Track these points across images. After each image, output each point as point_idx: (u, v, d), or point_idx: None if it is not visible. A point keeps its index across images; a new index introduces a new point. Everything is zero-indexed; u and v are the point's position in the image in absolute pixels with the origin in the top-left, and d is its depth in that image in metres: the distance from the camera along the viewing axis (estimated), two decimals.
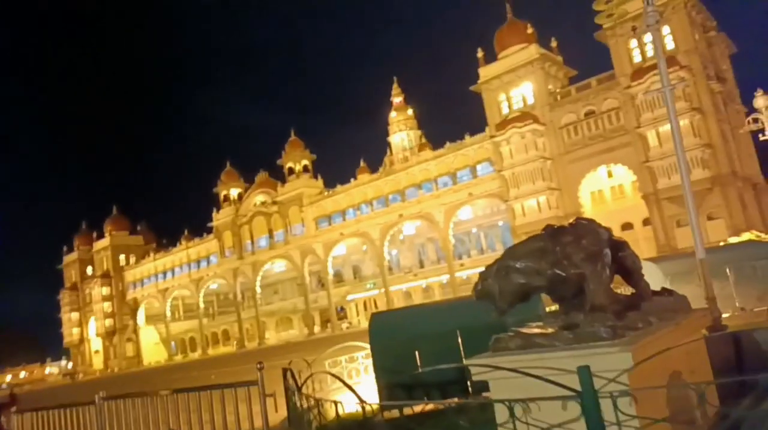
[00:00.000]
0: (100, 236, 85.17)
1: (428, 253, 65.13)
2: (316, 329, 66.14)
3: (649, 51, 40.20)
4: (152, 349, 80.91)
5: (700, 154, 37.55)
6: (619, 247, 4.37)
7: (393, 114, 76.89)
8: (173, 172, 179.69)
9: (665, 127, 38.53)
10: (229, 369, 32.66)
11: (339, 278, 67.71)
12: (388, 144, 76.75)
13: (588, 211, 44.35)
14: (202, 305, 75.48)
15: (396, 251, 63.56)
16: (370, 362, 9.45)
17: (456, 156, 51.59)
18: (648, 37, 40.24)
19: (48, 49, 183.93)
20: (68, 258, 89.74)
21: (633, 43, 40.73)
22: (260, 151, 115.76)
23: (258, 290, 68.89)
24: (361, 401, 5.70)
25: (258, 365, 5.05)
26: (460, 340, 7.17)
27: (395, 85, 77.39)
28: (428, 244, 64.83)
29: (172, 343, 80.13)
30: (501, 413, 3.67)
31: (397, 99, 77.33)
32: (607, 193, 45.29)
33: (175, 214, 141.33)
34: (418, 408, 6.71)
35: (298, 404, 5.46)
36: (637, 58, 40.67)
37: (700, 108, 37.86)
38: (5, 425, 7.77)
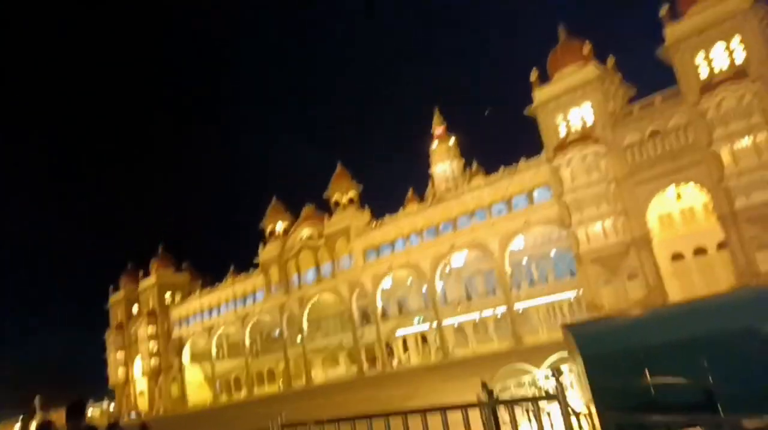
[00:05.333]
0: (147, 274, 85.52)
1: (476, 286, 63.02)
2: (364, 366, 63.99)
3: (717, 65, 38.52)
4: (196, 389, 79.74)
5: None
6: None
7: (434, 144, 76.37)
8: (218, 210, 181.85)
9: (741, 143, 36.55)
10: (293, 406, 31.13)
11: (383, 313, 65.86)
12: (430, 175, 76.03)
13: (657, 235, 42.10)
14: (248, 343, 74.30)
15: (442, 283, 61.55)
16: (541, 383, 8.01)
17: (511, 182, 49.94)
18: (716, 51, 38.68)
19: (91, 92, 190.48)
20: (114, 297, 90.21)
21: (699, 57, 39.02)
22: (305, 186, 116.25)
23: (305, 326, 67.47)
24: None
25: (552, 373, 3.69)
26: (706, 351, 5.59)
27: (436, 115, 77.15)
28: (477, 276, 62.75)
29: (217, 382, 78.87)
30: None
31: (438, 129, 76.84)
32: (677, 216, 42.91)
33: (221, 251, 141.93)
34: None
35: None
36: (704, 72, 38.87)
37: None
38: None
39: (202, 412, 62.13)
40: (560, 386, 3.58)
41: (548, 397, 3.89)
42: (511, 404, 4.18)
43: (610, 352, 6.00)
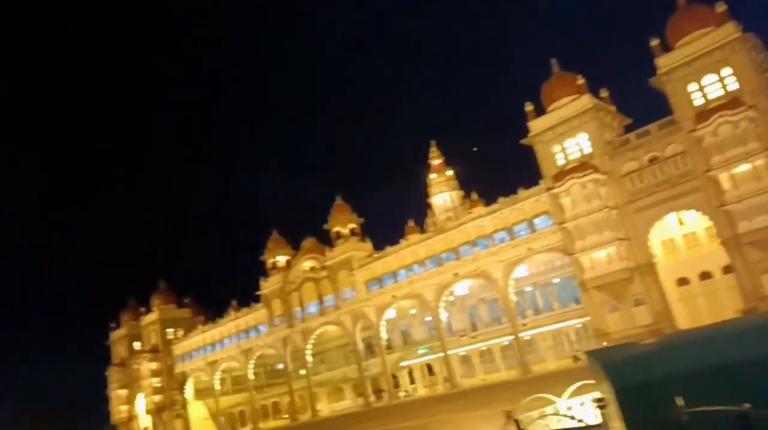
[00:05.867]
0: (148, 310, 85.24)
1: (481, 315, 62.90)
2: (370, 398, 63.34)
3: (711, 93, 39.32)
4: (201, 425, 78.74)
5: None
6: None
7: (433, 176, 77.11)
8: (219, 244, 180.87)
9: (739, 169, 37.09)
10: None
11: (388, 344, 65.54)
12: (429, 206, 76.56)
13: (661, 261, 42.32)
14: (252, 377, 73.72)
15: (446, 314, 61.34)
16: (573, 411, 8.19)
17: (511, 211, 50.36)
18: (708, 80, 39.53)
19: (91, 120, 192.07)
20: (116, 334, 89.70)
21: (692, 86, 39.86)
22: (306, 218, 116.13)
23: (309, 358, 67.06)
24: None
25: (598, 403, 3.96)
26: (742, 377, 5.69)
27: (433, 148, 78.13)
28: (481, 305, 62.68)
29: (222, 418, 77.91)
30: None
31: (435, 161, 77.71)
32: (680, 241, 43.18)
33: (223, 285, 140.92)
34: None
35: None
36: (698, 101, 39.66)
37: None
38: None
39: None
40: (604, 417, 3.82)
41: (593, 427, 4.13)
42: None
43: (641, 381, 6.11)
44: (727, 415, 5.62)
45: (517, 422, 5.96)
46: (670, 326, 39.21)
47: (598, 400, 4.06)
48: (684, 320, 39.90)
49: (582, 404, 8.57)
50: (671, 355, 6.37)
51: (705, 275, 41.45)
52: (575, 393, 8.81)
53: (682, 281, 42.41)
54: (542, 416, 8.02)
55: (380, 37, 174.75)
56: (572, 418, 7.46)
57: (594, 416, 8.28)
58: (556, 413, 8.17)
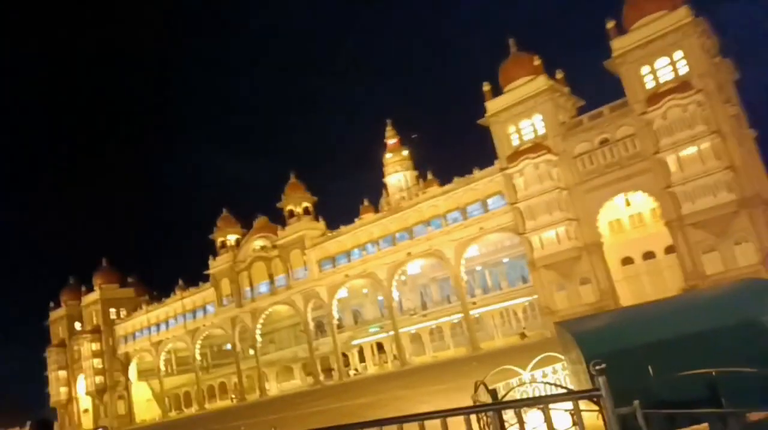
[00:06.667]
0: (89, 289, 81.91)
1: (431, 293, 63.28)
2: (320, 377, 63.00)
3: (662, 77, 40.04)
4: (144, 406, 76.78)
5: (723, 176, 36.81)
6: None
7: (388, 155, 76.76)
8: (165, 222, 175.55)
9: (686, 151, 38.03)
10: (252, 420, 30.21)
11: (339, 323, 65.20)
12: (384, 185, 76.24)
13: (607, 241, 43.26)
14: (198, 358, 72.10)
15: (398, 293, 61.31)
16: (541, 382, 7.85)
17: (465, 191, 50.44)
18: (660, 63, 40.22)
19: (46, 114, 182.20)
20: (55, 314, 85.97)
21: (645, 69, 40.50)
22: (256, 198, 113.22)
23: (258, 338, 66.03)
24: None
25: (595, 368, 3.46)
26: (707, 345, 5.55)
27: (389, 128, 77.65)
28: (432, 284, 63.05)
29: (166, 399, 76.07)
30: None
31: (391, 141, 77.33)
32: (626, 221, 44.26)
33: (168, 264, 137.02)
34: None
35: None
36: (649, 84, 40.35)
37: (720, 131, 37.33)
38: None
39: (150, 428, 60.04)
40: (603, 383, 3.35)
41: (589, 391, 3.67)
42: (545, 402, 3.89)
43: (612, 349, 5.89)
44: (695, 379, 5.48)
45: (493, 391, 5.51)
46: (614, 303, 40.20)
47: (597, 364, 3.58)
48: (627, 298, 40.98)
49: (545, 375, 8.33)
50: (638, 326, 6.21)
51: (648, 255, 42.65)
52: (537, 366, 8.54)
53: (627, 261, 43.53)
54: (509, 389, 7.69)
55: (335, 17, 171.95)
56: (553, 385, 7.17)
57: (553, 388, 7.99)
58: (522, 384, 7.86)
